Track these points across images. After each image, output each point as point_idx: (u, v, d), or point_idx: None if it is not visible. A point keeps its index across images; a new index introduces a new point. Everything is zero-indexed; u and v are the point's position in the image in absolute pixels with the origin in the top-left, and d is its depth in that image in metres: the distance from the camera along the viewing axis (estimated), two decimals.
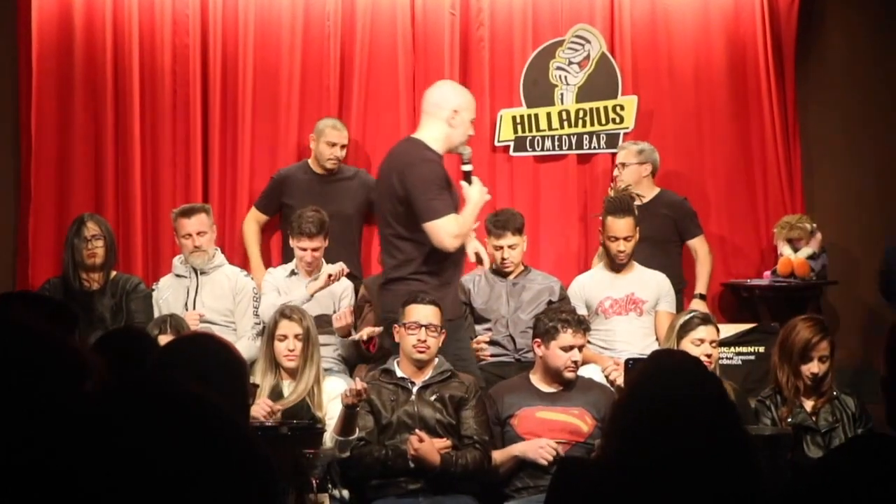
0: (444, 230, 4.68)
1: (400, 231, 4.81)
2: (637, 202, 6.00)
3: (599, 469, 2.28)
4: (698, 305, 5.97)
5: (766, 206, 6.86)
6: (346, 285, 5.81)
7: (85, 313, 5.57)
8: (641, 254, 5.91)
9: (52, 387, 1.31)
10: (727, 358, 5.86)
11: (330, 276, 5.59)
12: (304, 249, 5.73)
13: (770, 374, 4.87)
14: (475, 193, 4.86)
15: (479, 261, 5.00)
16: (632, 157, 6.32)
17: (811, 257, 6.47)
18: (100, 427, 1.16)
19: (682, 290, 6.22)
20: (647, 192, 6.29)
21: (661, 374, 2.41)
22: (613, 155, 6.71)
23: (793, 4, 6.84)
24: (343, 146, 6.31)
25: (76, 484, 1.13)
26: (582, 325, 4.80)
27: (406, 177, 4.73)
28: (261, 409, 4.66)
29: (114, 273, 5.79)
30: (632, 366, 3.75)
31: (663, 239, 6.23)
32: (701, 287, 6.22)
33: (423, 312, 4.84)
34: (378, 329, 5.45)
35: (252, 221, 6.43)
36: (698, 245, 6.29)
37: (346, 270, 5.75)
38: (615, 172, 6.37)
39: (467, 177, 4.90)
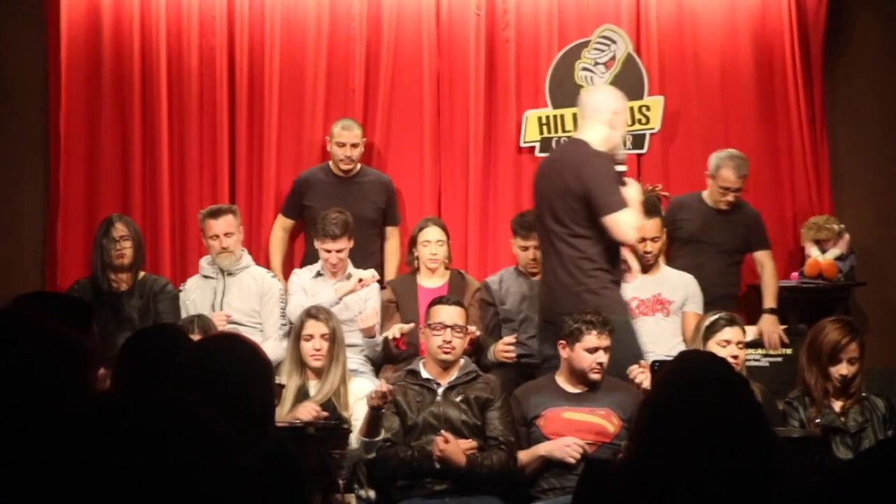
0: (626, 222, 4.83)
1: (575, 229, 4.89)
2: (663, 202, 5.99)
3: (626, 470, 2.27)
4: (769, 321, 5.98)
5: (794, 207, 6.82)
6: (372, 286, 5.82)
7: (113, 314, 5.61)
8: (707, 258, 5.94)
9: (55, 377, 1.31)
10: (754, 360, 5.83)
11: (361, 280, 5.60)
12: (329, 251, 5.74)
13: (798, 376, 4.84)
14: (634, 193, 5.00)
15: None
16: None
17: (839, 258, 6.43)
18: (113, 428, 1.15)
19: (738, 294, 6.22)
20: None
21: (687, 375, 2.40)
22: (639, 156, 6.68)
23: (821, 2, 6.80)
24: (354, 145, 6.26)
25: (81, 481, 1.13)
26: (606, 327, 4.78)
27: (583, 173, 4.85)
28: (308, 411, 4.67)
29: (142, 274, 5.82)
30: (657, 367, 3.73)
31: (733, 248, 6.21)
32: (771, 301, 6.14)
33: (448, 313, 4.85)
34: (408, 326, 5.46)
35: (278, 229, 6.45)
36: (766, 259, 6.22)
37: (377, 277, 5.75)
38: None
39: (621, 178, 5.02)
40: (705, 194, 6.24)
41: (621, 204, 4.82)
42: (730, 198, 6.11)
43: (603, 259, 4.90)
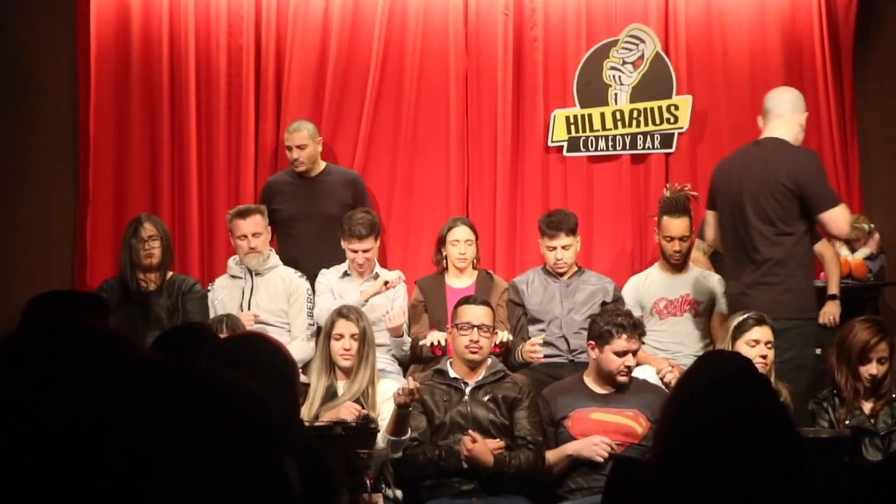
0: (844, 217, 5.00)
1: (783, 228, 4.95)
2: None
3: (653, 469, 2.27)
4: (833, 307, 5.98)
5: None
6: (398, 287, 5.82)
7: (141, 314, 5.64)
8: None
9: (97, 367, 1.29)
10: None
11: (386, 283, 5.61)
12: (356, 251, 5.75)
13: (827, 376, 4.81)
14: None
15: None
16: None
17: (869, 258, 6.38)
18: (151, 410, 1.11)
19: None
20: None
21: (708, 374, 2.39)
22: (667, 155, 6.66)
23: (851, 1, 6.75)
24: (301, 147, 6.21)
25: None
26: (637, 330, 4.77)
27: (797, 170, 4.94)
28: (350, 411, 4.68)
29: (170, 274, 5.84)
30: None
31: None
32: (834, 288, 6.12)
33: (475, 313, 4.84)
34: (441, 335, 5.45)
35: None
36: (825, 248, 6.19)
37: (403, 279, 5.76)
38: None
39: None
40: None
41: (837, 199, 5.00)
42: None
43: (807, 257, 5.06)
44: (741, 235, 5.04)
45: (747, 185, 5.02)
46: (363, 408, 4.80)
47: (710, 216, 5.28)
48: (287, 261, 5.97)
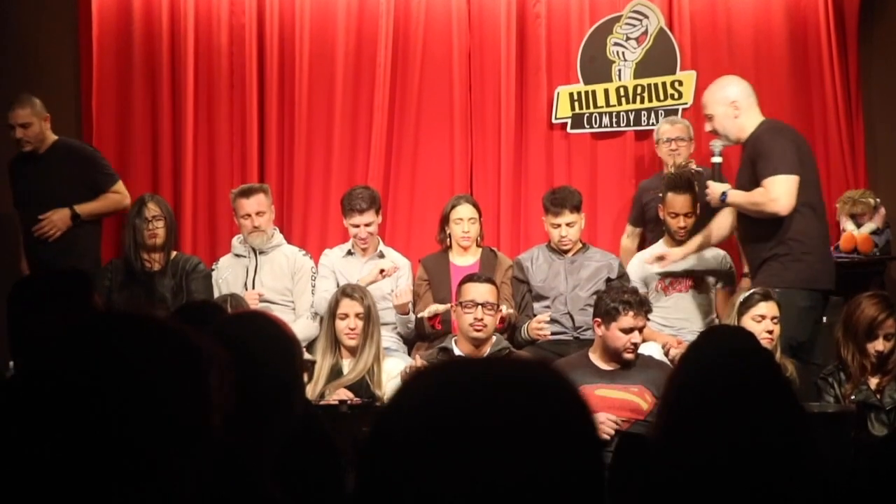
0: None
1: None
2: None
3: (658, 446, 2.26)
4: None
5: (829, 181, 6.74)
6: (403, 264, 5.82)
7: (146, 294, 5.64)
8: None
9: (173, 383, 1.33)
10: None
11: (382, 271, 5.59)
12: (357, 226, 5.74)
13: (833, 351, 4.81)
14: None
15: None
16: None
17: (875, 233, 6.37)
18: None
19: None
20: None
21: (712, 349, 2.38)
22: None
23: None
24: (23, 125, 5.82)
25: None
26: (644, 307, 4.76)
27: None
28: (339, 398, 4.68)
29: (174, 253, 5.84)
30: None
31: None
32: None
33: (479, 291, 4.84)
34: (443, 307, 5.46)
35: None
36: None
37: (398, 268, 5.73)
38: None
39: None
40: None
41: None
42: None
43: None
44: (818, 206, 5.25)
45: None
46: (370, 386, 4.81)
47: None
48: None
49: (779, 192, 4.93)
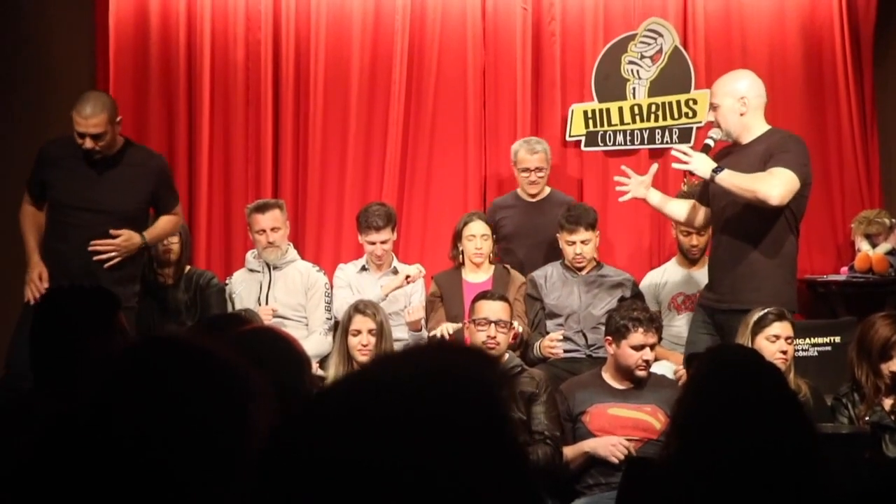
0: None
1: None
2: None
3: (667, 468, 2.25)
4: None
5: (844, 201, 6.74)
6: (418, 280, 5.82)
7: (160, 308, 5.65)
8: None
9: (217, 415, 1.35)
10: (803, 350, 5.75)
11: (408, 277, 5.61)
12: (373, 243, 5.75)
13: (847, 370, 4.78)
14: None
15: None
16: None
17: (890, 253, 6.35)
18: None
19: None
20: None
21: (718, 369, 2.38)
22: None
23: None
24: (95, 136, 4.93)
25: None
26: (654, 324, 4.75)
27: None
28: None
29: (188, 268, 5.86)
30: (689, 362, 3.70)
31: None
32: None
33: (492, 308, 4.83)
34: (452, 326, 5.45)
35: (27, 205, 5.24)
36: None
37: (424, 272, 5.76)
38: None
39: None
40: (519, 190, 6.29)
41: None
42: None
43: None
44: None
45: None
46: None
47: None
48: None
49: (782, 182, 4.67)
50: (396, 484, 0.97)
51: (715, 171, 4.74)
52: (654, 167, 5.18)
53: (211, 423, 1.33)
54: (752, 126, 4.89)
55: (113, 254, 5.00)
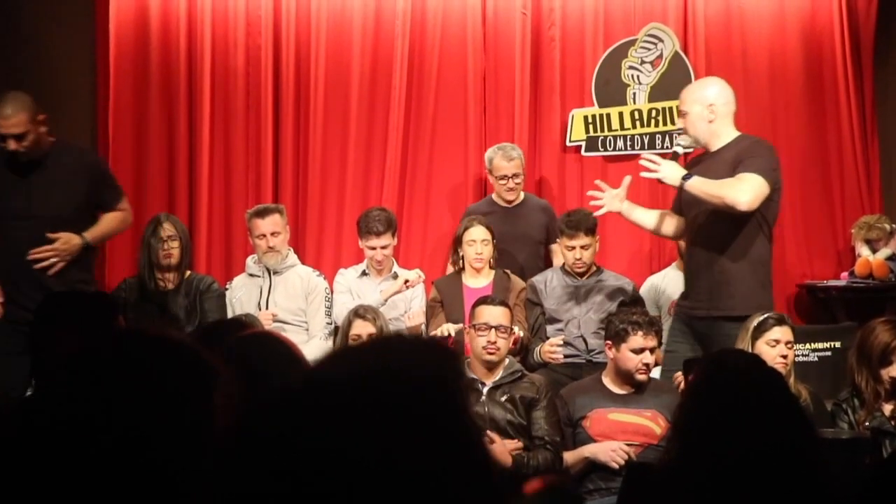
0: None
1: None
2: None
3: (668, 474, 2.25)
4: None
5: (844, 206, 6.74)
6: (418, 286, 5.82)
7: (160, 313, 5.65)
8: None
9: (182, 395, 1.41)
10: (803, 355, 5.75)
11: (407, 282, 5.61)
12: (373, 248, 5.75)
13: (847, 376, 4.78)
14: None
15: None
16: None
17: (890, 258, 6.35)
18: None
19: None
20: None
21: (719, 374, 2.37)
22: (687, 155, 6.63)
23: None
24: (17, 137, 4.79)
25: None
26: (653, 327, 4.75)
27: None
28: None
29: (188, 273, 5.86)
30: (687, 367, 3.69)
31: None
32: None
33: (492, 314, 4.83)
34: (453, 326, 5.45)
35: None
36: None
37: (423, 277, 5.76)
38: None
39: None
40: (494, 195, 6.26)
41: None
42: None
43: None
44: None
45: None
46: None
47: None
48: None
49: (751, 188, 4.65)
50: (352, 471, 0.99)
51: (684, 178, 4.75)
52: (628, 179, 5.14)
53: (181, 394, 1.38)
54: (721, 133, 4.89)
55: (53, 259, 4.86)
